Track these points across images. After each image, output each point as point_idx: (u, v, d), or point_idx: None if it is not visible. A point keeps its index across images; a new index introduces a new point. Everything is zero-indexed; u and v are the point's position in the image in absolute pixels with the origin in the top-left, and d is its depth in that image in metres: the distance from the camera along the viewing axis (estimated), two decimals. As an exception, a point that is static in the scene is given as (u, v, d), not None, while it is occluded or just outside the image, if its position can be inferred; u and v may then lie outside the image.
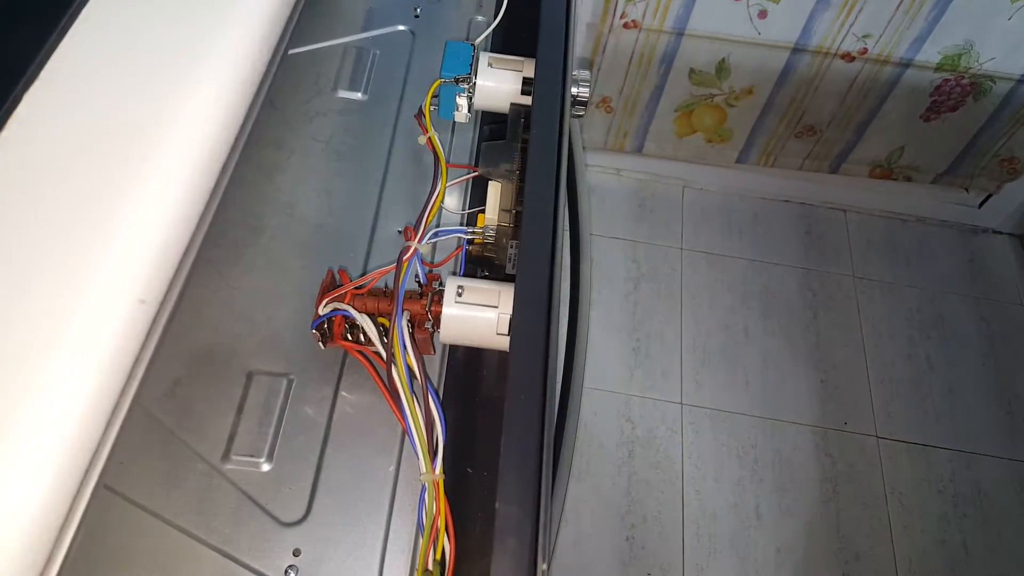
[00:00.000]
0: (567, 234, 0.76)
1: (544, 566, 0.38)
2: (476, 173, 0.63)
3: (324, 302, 0.52)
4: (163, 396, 0.54)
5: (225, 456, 0.53)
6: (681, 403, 1.41)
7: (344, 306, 0.51)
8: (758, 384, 1.45)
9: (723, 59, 1.39)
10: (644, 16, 1.32)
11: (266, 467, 0.53)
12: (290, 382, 0.56)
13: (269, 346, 0.57)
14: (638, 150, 1.59)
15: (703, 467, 1.35)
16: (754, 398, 1.43)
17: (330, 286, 0.54)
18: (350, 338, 0.53)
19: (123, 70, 0.36)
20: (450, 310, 0.51)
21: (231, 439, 0.53)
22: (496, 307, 0.51)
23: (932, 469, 1.38)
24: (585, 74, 0.64)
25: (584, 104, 0.65)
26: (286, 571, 0.49)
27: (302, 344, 0.57)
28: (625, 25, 1.34)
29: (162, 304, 0.37)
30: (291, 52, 0.71)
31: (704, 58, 1.39)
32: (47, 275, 0.27)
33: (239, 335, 0.58)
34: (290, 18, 0.53)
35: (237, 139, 0.42)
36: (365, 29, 0.76)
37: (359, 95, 0.71)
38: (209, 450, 0.53)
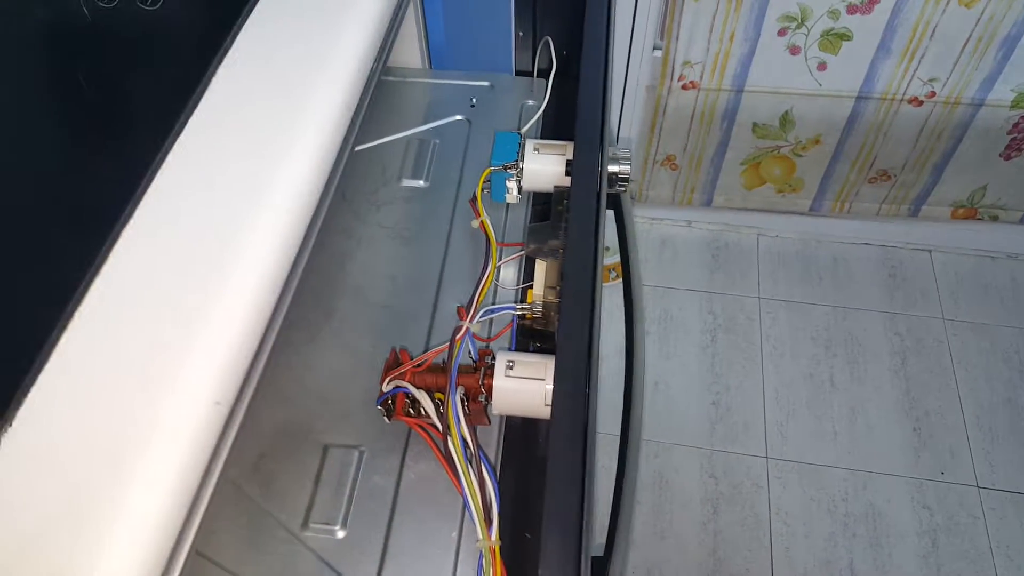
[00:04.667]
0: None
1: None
2: (523, 252, 0.68)
3: (387, 380, 0.57)
4: (250, 469, 0.60)
5: (304, 524, 0.58)
6: (766, 456, 1.40)
7: (404, 383, 0.56)
8: (846, 434, 1.42)
9: (786, 112, 1.41)
10: (702, 77, 1.36)
11: (341, 534, 0.58)
12: (361, 454, 0.61)
13: (342, 421, 0.63)
14: (707, 204, 1.61)
15: (792, 523, 1.32)
16: (843, 449, 1.40)
17: (393, 364, 0.59)
18: (413, 412, 0.58)
19: (203, 197, 0.43)
20: (500, 383, 0.55)
21: (309, 508, 0.59)
22: (543, 379, 0.55)
23: (1041, 520, 1.31)
24: (625, 152, 0.69)
25: (626, 180, 0.69)
26: (359, 632, 0.53)
27: (372, 418, 0.62)
28: (684, 87, 1.38)
29: (238, 399, 0.42)
30: (359, 148, 0.79)
31: (766, 112, 1.41)
32: (139, 385, 0.33)
33: (315, 411, 0.63)
34: (353, 121, 0.59)
35: (305, 240, 0.48)
36: (426, 121, 0.83)
37: (421, 183, 0.78)
38: (289, 518, 0.58)
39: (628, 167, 0.68)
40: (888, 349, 1.53)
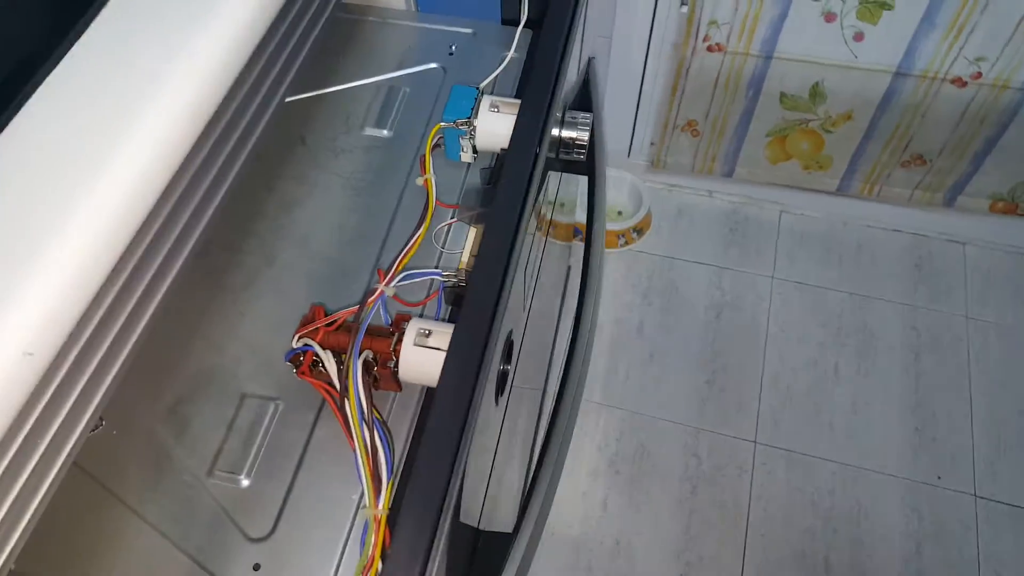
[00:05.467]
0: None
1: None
2: (456, 217, 0.66)
3: (297, 336, 0.57)
4: (166, 412, 0.61)
5: (210, 471, 0.59)
6: (755, 441, 1.38)
7: (311, 342, 0.56)
8: (843, 428, 1.39)
9: (816, 83, 1.35)
10: (728, 39, 1.31)
11: (245, 483, 0.58)
12: (277, 406, 0.61)
13: (264, 371, 0.63)
14: (728, 175, 1.57)
15: (771, 510, 1.31)
16: (837, 442, 1.38)
17: (310, 321, 0.59)
18: (324, 370, 0.58)
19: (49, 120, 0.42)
20: (408, 351, 0.55)
21: (217, 455, 0.59)
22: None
23: (1036, 537, 1.28)
24: (585, 116, 0.66)
25: (583, 147, 0.67)
26: (245, 583, 0.55)
27: (293, 373, 0.62)
28: (709, 48, 1.33)
29: (109, 351, 0.42)
30: (324, 92, 0.78)
31: (796, 82, 1.36)
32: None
33: (239, 358, 0.64)
34: (284, 65, 0.58)
35: (176, 193, 0.47)
36: (400, 67, 0.81)
37: (384, 132, 0.76)
38: (196, 464, 0.59)
39: (586, 134, 0.66)
40: (902, 343, 1.48)
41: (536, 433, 1.11)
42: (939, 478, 1.34)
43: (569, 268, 1.30)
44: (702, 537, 1.29)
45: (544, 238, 0.95)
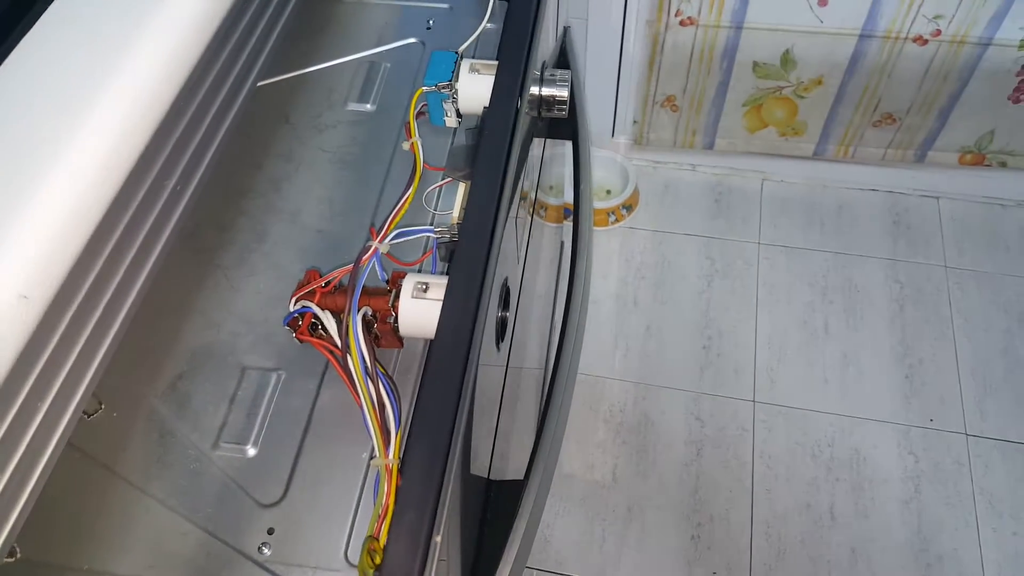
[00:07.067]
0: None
1: (437, 538, 0.38)
2: (448, 179, 0.63)
3: (294, 299, 0.54)
4: (166, 389, 0.58)
5: (215, 444, 0.56)
6: (754, 401, 1.35)
7: (309, 303, 0.53)
8: (837, 381, 1.36)
9: (787, 50, 1.32)
10: (700, 12, 1.28)
11: (252, 452, 0.55)
12: (279, 376, 0.58)
13: (263, 343, 0.60)
14: (709, 147, 1.54)
15: (775, 466, 1.28)
16: (832, 395, 1.35)
17: (306, 284, 0.56)
18: (324, 333, 0.55)
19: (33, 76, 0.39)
20: (406, 303, 0.52)
21: (222, 428, 0.56)
22: (447, 301, 0.51)
23: (1030, 470, 1.25)
24: (564, 74, 0.63)
25: (564, 103, 0.64)
26: (259, 547, 0.51)
27: (292, 342, 0.59)
28: (681, 23, 1.30)
29: (108, 304, 0.39)
30: (307, 71, 0.75)
31: (767, 51, 1.33)
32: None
33: (238, 333, 0.61)
34: (252, 49, 0.54)
35: (169, 158, 0.44)
36: (379, 44, 0.78)
37: (368, 106, 0.73)
38: (201, 438, 0.56)
39: (565, 90, 0.63)
40: (886, 296, 1.45)
41: (540, 406, 1.08)
42: (931, 421, 1.31)
43: (562, 244, 1.27)
44: (710, 497, 1.25)
45: (530, 218, 0.92)
